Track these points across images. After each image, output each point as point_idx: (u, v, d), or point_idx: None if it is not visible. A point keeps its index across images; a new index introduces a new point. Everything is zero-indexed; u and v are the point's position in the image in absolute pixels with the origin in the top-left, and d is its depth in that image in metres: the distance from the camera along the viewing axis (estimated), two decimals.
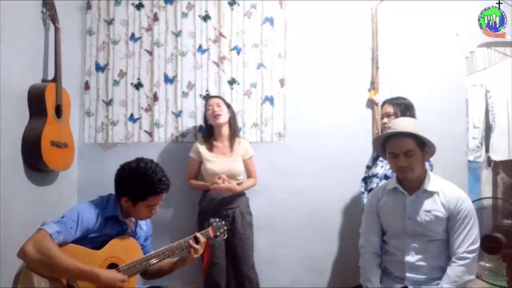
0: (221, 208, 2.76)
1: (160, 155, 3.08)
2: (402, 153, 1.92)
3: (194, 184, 2.89)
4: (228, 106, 2.91)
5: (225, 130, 2.87)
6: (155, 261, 1.91)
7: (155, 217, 2.01)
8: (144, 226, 2.08)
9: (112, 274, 1.74)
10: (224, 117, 2.83)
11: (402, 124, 1.99)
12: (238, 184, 2.83)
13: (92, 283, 1.69)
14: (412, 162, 1.93)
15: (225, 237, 2.18)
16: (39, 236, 1.65)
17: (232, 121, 2.89)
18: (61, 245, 1.69)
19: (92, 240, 1.82)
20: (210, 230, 2.07)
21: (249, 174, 2.92)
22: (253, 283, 2.78)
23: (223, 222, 2.14)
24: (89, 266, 1.70)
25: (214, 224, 2.11)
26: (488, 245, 2.24)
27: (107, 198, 1.94)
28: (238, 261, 2.78)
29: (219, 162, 2.81)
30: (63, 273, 1.67)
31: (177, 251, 1.97)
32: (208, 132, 2.92)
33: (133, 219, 1.99)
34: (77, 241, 1.76)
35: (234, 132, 2.89)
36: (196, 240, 1.97)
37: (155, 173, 1.87)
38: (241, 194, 2.84)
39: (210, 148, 2.86)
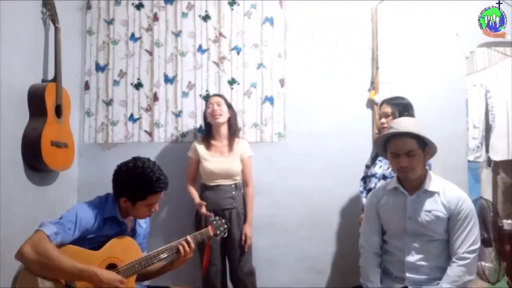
0: (218, 209, 2.73)
1: (160, 155, 3.08)
2: (404, 153, 1.92)
3: (189, 191, 2.83)
4: (229, 106, 2.87)
5: (224, 129, 2.83)
6: (155, 261, 1.91)
7: (155, 216, 2.00)
8: (143, 224, 2.07)
9: (112, 274, 1.74)
10: (223, 117, 2.79)
11: (404, 124, 1.98)
12: (236, 184, 2.78)
13: (91, 282, 1.68)
14: (413, 162, 1.92)
15: (225, 235, 2.17)
16: (36, 237, 1.65)
17: (232, 121, 2.85)
18: (59, 246, 1.69)
19: (91, 240, 1.81)
20: (210, 229, 2.07)
21: (244, 177, 2.83)
22: (248, 285, 2.76)
23: (223, 221, 2.14)
24: (88, 265, 1.69)
25: (214, 222, 2.10)
26: None
27: (105, 198, 1.93)
28: (235, 263, 2.75)
29: (216, 161, 2.77)
30: (62, 274, 1.66)
31: (176, 251, 1.96)
32: (207, 131, 2.89)
33: (131, 217, 1.98)
34: (75, 242, 1.75)
35: (233, 132, 2.85)
36: (188, 244, 1.95)
37: (153, 172, 1.86)
38: (239, 195, 2.81)
39: (208, 147, 2.82)
